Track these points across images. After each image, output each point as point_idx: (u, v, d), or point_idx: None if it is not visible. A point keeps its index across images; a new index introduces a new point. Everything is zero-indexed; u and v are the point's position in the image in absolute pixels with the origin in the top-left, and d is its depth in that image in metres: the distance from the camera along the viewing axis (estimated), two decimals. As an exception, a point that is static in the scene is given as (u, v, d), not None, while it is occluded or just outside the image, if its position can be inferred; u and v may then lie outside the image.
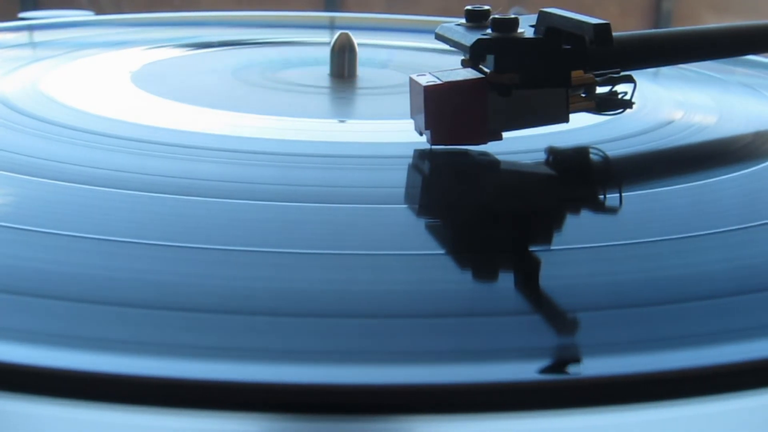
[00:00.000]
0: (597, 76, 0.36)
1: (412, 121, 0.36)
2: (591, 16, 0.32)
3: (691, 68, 0.54)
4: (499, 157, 0.35)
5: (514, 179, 0.34)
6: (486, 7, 0.36)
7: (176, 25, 0.75)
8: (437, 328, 0.22)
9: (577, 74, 0.35)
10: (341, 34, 0.50)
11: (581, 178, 0.35)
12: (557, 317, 0.23)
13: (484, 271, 0.26)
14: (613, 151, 0.37)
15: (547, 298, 0.24)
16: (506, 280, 0.25)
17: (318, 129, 0.40)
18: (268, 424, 0.18)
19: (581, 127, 0.38)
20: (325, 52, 0.51)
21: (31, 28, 0.69)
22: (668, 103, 0.46)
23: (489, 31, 0.34)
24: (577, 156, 0.37)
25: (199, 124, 0.39)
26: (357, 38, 0.50)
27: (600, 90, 0.36)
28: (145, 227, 0.27)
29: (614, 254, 0.26)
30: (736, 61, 0.56)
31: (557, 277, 0.25)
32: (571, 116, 0.36)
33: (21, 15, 0.75)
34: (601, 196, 0.33)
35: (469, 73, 0.34)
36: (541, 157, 0.36)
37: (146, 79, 0.48)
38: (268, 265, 0.25)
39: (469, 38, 0.33)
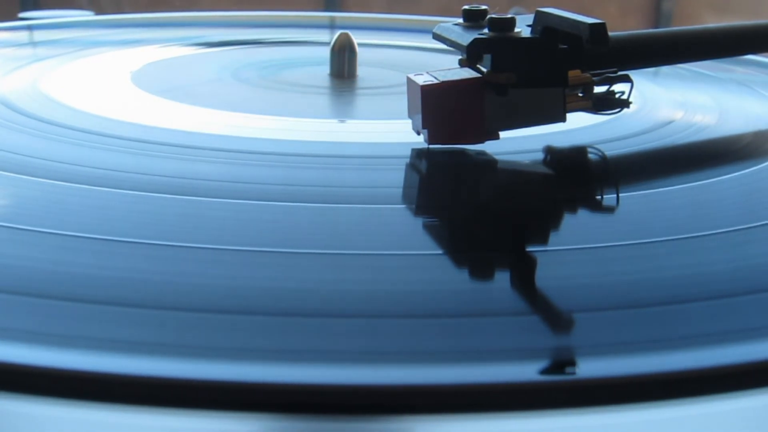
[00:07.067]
0: (594, 75, 0.36)
1: (410, 121, 0.36)
2: (590, 16, 0.32)
3: (691, 68, 0.54)
4: (497, 157, 0.35)
5: (511, 179, 0.34)
6: (483, 7, 0.36)
7: (176, 25, 0.75)
8: (435, 328, 0.22)
9: (574, 74, 0.35)
10: (341, 34, 0.50)
11: (579, 178, 0.35)
12: (556, 317, 0.23)
13: (483, 271, 0.26)
14: (613, 151, 0.37)
15: (545, 298, 0.24)
16: (504, 280, 0.25)
17: (318, 129, 0.40)
18: (268, 424, 0.18)
19: (581, 127, 0.38)
20: (325, 52, 0.51)
21: (31, 28, 0.69)
22: (668, 103, 0.46)
23: (486, 30, 0.34)
24: (575, 156, 0.37)
25: (199, 124, 0.39)
26: (357, 38, 0.50)
27: (597, 89, 0.36)
28: (145, 227, 0.27)
29: (614, 254, 0.26)
30: (736, 61, 0.56)
31: (556, 277, 0.25)
32: (570, 116, 0.36)
33: (21, 15, 0.75)
34: (599, 196, 0.33)
35: (467, 73, 0.34)
36: (539, 156, 0.36)
37: (146, 79, 0.48)
38: (268, 264, 0.25)
39: (466, 38, 0.33)
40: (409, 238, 0.27)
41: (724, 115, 0.44)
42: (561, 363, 0.21)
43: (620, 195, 0.32)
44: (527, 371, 0.20)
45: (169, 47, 0.60)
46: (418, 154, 0.35)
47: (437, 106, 0.34)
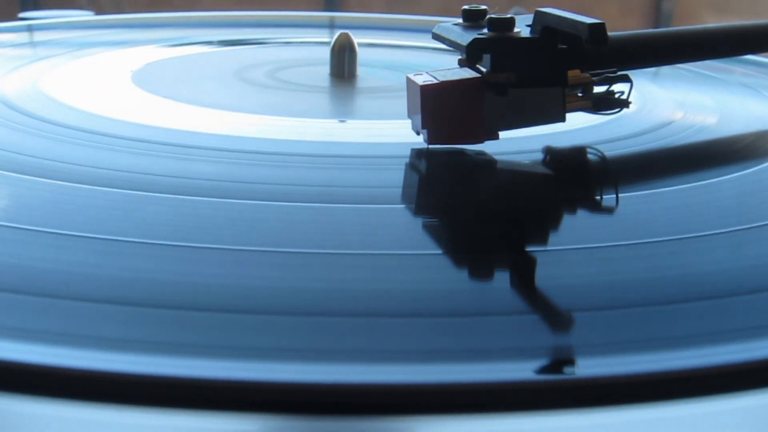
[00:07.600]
0: (594, 75, 0.36)
1: (410, 121, 0.36)
2: (590, 16, 0.32)
3: (691, 68, 0.54)
4: (497, 157, 0.35)
5: (511, 179, 0.34)
6: (483, 7, 0.36)
7: (176, 25, 0.75)
8: (435, 327, 0.22)
9: (573, 74, 0.35)
10: (341, 34, 0.50)
11: (579, 178, 0.35)
12: (556, 317, 0.23)
13: (483, 271, 0.26)
14: (613, 151, 0.37)
15: (545, 297, 0.24)
16: (504, 280, 0.25)
17: (318, 129, 0.40)
18: (268, 424, 0.18)
19: (581, 127, 0.38)
20: (325, 52, 0.51)
21: (31, 28, 0.69)
22: (668, 104, 0.46)
23: (486, 30, 0.34)
24: (575, 156, 0.37)
25: (199, 124, 0.39)
26: (357, 38, 0.50)
27: (597, 89, 0.36)
28: (145, 227, 0.27)
29: (614, 254, 0.26)
30: (736, 61, 0.56)
31: (556, 277, 0.25)
32: (570, 116, 0.36)
33: (21, 15, 0.75)
34: (599, 196, 0.33)
35: (466, 73, 0.34)
36: (539, 156, 0.36)
37: (147, 79, 0.48)
38: (268, 264, 0.25)
39: (465, 38, 0.33)
40: (409, 238, 0.27)
41: (725, 115, 0.44)
42: (560, 362, 0.21)
43: (620, 195, 0.32)
44: (526, 371, 0.20)
45: (169, 47, 0.60)
46: (417, 154, 0.35)
47: (437, 105, 0.34)
